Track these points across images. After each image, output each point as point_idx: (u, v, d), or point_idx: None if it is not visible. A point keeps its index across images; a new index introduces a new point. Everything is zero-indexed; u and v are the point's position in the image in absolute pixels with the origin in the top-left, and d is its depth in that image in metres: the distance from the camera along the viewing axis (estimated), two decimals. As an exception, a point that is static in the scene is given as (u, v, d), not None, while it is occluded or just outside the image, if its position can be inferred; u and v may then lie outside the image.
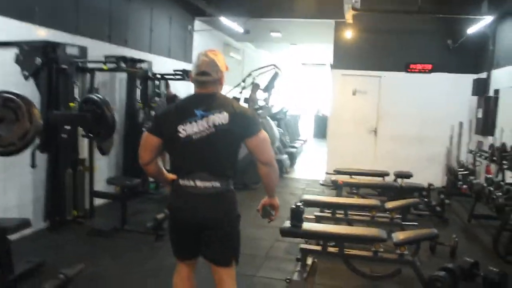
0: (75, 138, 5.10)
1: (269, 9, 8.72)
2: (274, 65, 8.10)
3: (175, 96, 7.46)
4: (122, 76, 6.52)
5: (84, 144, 5.29)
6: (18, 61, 4.53)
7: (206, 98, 2.46)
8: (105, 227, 4.89)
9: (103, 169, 6.14)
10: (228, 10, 8.21)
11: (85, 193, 5.30)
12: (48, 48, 4.61)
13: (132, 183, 4.95)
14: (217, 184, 2.44)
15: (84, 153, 5.32)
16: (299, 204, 4.03)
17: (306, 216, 3.97)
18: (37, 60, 4.53)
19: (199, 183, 2.43)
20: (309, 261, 4.01)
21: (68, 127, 4.94)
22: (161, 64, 7.46)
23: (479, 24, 7.23)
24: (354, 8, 6.92)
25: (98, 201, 5.67)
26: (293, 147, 11.22)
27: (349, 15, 7.43)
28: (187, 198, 2.47)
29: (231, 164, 2.51)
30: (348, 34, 8.49)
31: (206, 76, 2.44)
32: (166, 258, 4.35)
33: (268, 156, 2.49)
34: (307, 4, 8.49)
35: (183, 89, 8.22)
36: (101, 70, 5.19)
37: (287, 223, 3.94)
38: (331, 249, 3.92)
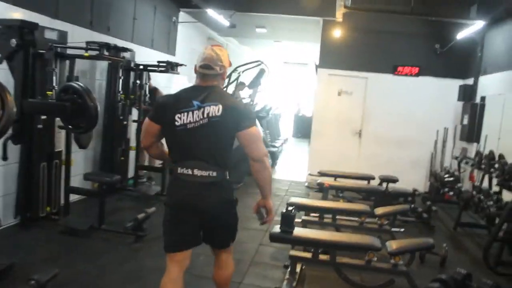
0: (51, 129, 4.77)
1: (256, 4, 8.50)
2: (261, 61, 7.88)
3: (155, 89, 7.18)
4: (103, 65, 6.19)
5: (61, 136, 4.94)
6: (-10, 41, 4.18)
7: (205, 90, 2.53)
8: (80, 225, 4.57)
9: (79, 163, 5.79)
10: (214, 2, 7.94)
11: (60, 188, 4.97)
12: (25, 29, 4.23)
13: (111, 180, 4.62)
14: (213, 173, 2.50)
15: (60, 145, 4.98)
16: (290, 208, 3.85)
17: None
18: (12, 41, 4.17)
19: (196, 172, 2.49)
20: (298, 268, 3.86)
21: (44, 117, 4.62)
22: (144, 55, 7.14)
23: (469, 30, 7.18)
24: (346, 6, 6.76)
25: (72, 197, 5.32)
26: (274, 146, 11.03)
27: (339, 13, 7.28)
28: (185, 186, 2.52)
29: (224, 155, 2.56)
30: (337, 33, 8.33)
31: (209, 70, 2.54)
32: (146, 260, 4.12)
33: (258, 152, 2.53)
34: (295, 0, 8.29)
35: (164, 82, 7.93)
36: (82, 57, 4.85)
37: (277, 228, 3.76)
38: (322, 257, 3.76)
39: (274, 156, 10.22)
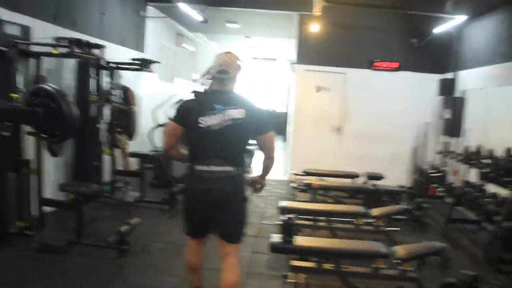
0: (18, 135, 4.29)
1: (229, -3, 8.15)
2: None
3: (127, 89, 6.75)
4: (71, 64, 5.70)
5: (29, 143, 4.45)
6: None
7: (225, 95, 2.82)
8: (57, 241, 4.12)
9: (49, 170, 5.27)
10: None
11: (32, 200, 4.48)
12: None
13: (89, 190, 4.18)
14: (229, 168, 2.78)
15: (29, 153, 4.49)
16: (291, 216, 3.62)
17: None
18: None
19: (214, 168, 2.76)
20: (301, 279, 3.61)
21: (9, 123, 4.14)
22: (113, 52, 6.68)
23: (448, 24, 7.10)
24: (326, 0, 6.52)
25: (44, 209, 4.83)
26: (250, 144, 10.66)
27: (318, 7, 7.03)
28: (203, 181, 2.77)
29: (241, 153, 2.88)
30: (314, 27, 8.09)
31: (226, 74, 2.82)
32: (133, 277, 3.77)
33: (273, 152, 2.98)
34: (271, -6, 8.01)
35: (132, 79, 7.46)
36: (49, 55, 4.39)
37: (276, 238, 3.51)
38: (326, 266, 3.52)
39: (251, 155, 9.89)
